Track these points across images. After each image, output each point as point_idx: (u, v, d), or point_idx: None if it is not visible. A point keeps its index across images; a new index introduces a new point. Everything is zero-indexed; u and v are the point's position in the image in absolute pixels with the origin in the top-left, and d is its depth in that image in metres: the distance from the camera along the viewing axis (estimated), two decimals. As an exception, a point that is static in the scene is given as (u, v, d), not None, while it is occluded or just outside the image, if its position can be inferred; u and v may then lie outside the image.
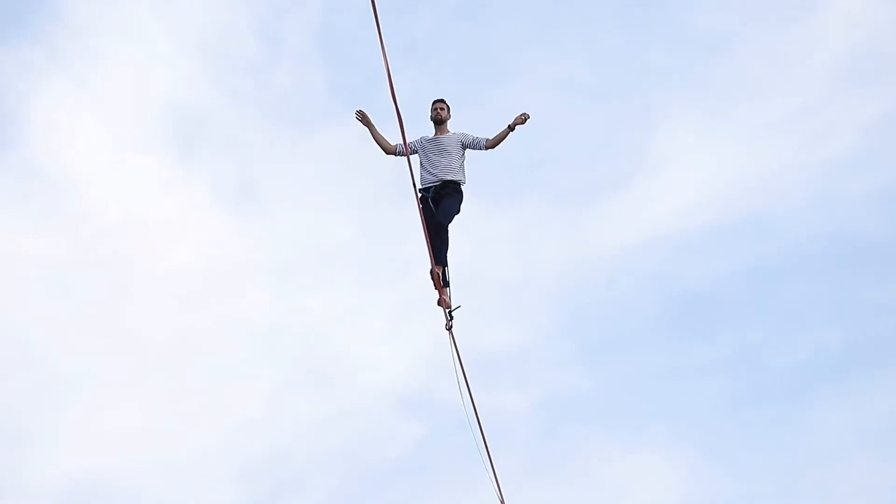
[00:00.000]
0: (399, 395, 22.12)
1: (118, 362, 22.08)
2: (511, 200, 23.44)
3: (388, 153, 12.18)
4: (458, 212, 12.08)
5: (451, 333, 11.99)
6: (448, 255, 12.10)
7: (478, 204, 22.21)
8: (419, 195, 12.06)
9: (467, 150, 12.19)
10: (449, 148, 12.13)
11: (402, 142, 11.92)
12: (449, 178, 12.09)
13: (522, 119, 11.80)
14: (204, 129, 25.24)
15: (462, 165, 12.16)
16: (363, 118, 12.09)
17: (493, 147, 12.04)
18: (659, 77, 25.43)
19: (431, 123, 12.27)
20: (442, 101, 12.29)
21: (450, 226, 12.05)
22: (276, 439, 21.83)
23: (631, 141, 24.95)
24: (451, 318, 11.99)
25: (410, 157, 12.01)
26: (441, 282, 11.96)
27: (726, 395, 22.28)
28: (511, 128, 11.82)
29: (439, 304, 12.03)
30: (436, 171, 12.10)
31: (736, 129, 24.91)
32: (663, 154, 24.80)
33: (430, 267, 11.91)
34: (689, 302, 23.66)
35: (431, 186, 12.10)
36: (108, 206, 24.31)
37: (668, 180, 24.55)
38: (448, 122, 12.26)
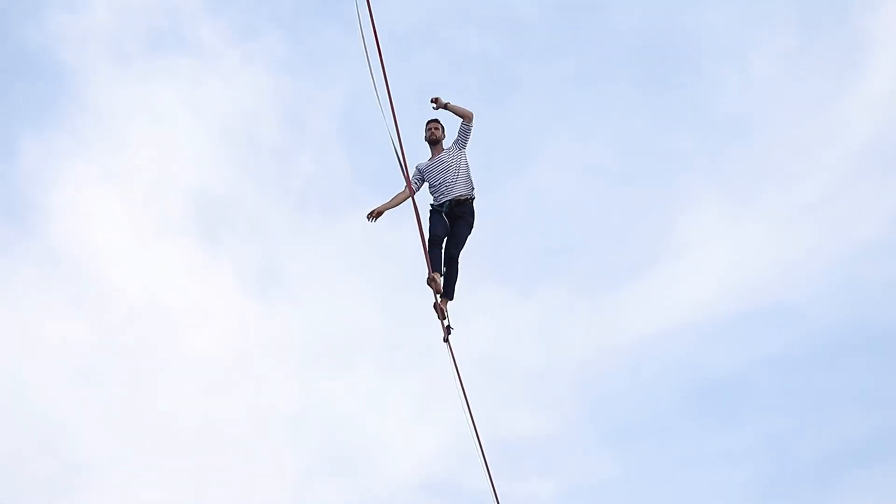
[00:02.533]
0: (424, 481, 22.21)
1: (142, 448, 22.24)
2: (535, 287, 23.80)
3: (407, 199, 12.28)
4: (467, 238, 12.17)
5: (448, 345, 11.96)
6: (456, 288, 12.12)
7: (501, 291, 22.72)
8: (431, 209, 12.24)
9: (466, 146, 12.25)
10: (450, 163, 12.24)
11: (414, 177, 12.20)
12: (459, 194, 12.21)
13: (434, 102, 11.97)
14: (228, 215, 25.62)
15: (469, 176, 12.27)
16: (376, 216, 12.26)
17: (467, 118, 12.10)
18: (682, 162, 25.84)
19: (427, 144, 12.43)
20: (436, 120, 12.42)
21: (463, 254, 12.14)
22: (299, 527, 21.91)
23: (655, 226, 25.27)
24: (450, 331, 11.99)
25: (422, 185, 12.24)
26: (440, 289, 11.97)
27: (753, 484, 22.23)
28: (439, 105, 12.00)
29: (435, 307, 12.04)
30: (444, 190, 12.22)
31: (760, 214, 25.13)
32: (687, 239, 25.07)
33: (426, 276, 11.92)
34: (715, 389, 23.67)
35: (444, 203, 12.25)
36: (131, 291, 24.61)
37: (693, 266, 24.76)
38: (443, 141, 12.39)
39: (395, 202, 12.31)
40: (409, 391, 22.80)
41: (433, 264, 11.98)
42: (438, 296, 11.98)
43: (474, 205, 12.33)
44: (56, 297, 24.03)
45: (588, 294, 24.52)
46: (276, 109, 25.94)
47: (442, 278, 12.03)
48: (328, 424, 23.03)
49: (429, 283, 11.94)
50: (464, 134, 12.19)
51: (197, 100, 26.19)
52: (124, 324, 24.05)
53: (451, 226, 12.21)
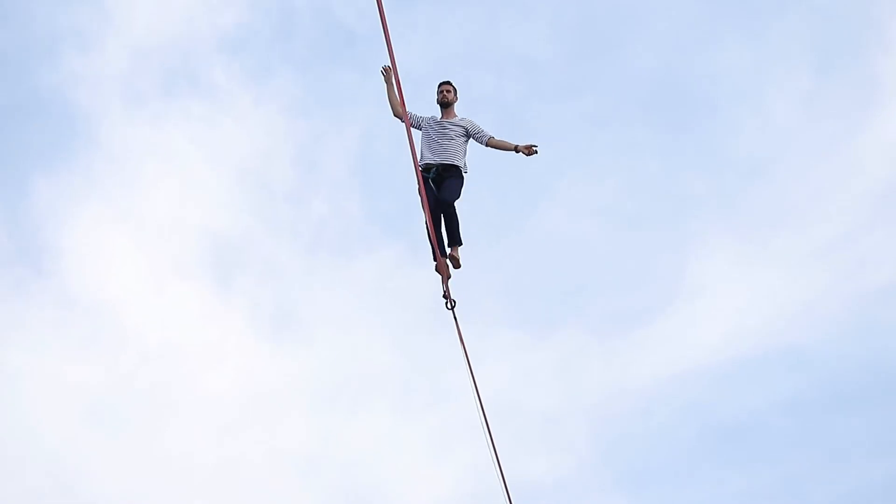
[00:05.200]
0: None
1: (157, 489, 22.43)
2: (549, 330, 24.19)
3: (394, 115, 12.36)
4: (458, 195, 12.20)
5: (453, 313, 12.18)
6: (461, 233, 12.25)
7: (516, 334, 23.08)
8: (423, 177, 12.18)
9: (470, 138, 12.33)
10: (452, 132, 12.32)
11: (413, 112, 12.28)
12: (449, 162, 12.25)
13: (529, 150, 11.93)
14: (242, 256, 25.95)
15: (464, 152, 12.32)
16: (387, 73, 12.25)
17: (492, 147, 12.17)
18: (696, 205, 26.28)
19: (438, 106, 12.48)
20: (448, 83, 12.54)
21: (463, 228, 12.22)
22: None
23: (668, 269, 25.64)
24: (452, 300, 12.20)
25: (413, 130, 12.14)
26: (447, 272, 12.14)
27: (767, 527, 22.54)
28: (516, 150, 12.01)
29: (438, 270, 12.25)
30: (436, 153, 12.28)
31: (774, 257, 25.46)
32: (700, 282, 25.42)
33: (435, 264, 12.12)
34: (728, 432, 24.00)
35: (432, 167, 12.27)
36: (146, 333, 24.88)
37: (706, 309, 25.08)
38: (455, 105, 12.49)
39: (394, 98, 12.31)
40: (423, 433, 23.19)
41: (449, 239, 12.18)
42: (444, 277, 12.20)
43: (464, 175, 12.36)
44: (70, 339, 24.32)
45: (602, 337, 24.92)
46: (290, 151, 26.40)
47: (449, 262, 12.24)
48: (342, 466, 23.28)
49: (437, 270, 12.22)
50: (476, 138, 12.32)
51: (210, 141, 26.60)
52: (138, 365, 24.39)
53: (440, 187, 12.24)
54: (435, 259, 12.30)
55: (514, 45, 26.21)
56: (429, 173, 12.27)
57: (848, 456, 22.95)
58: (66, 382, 23.61)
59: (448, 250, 12.28)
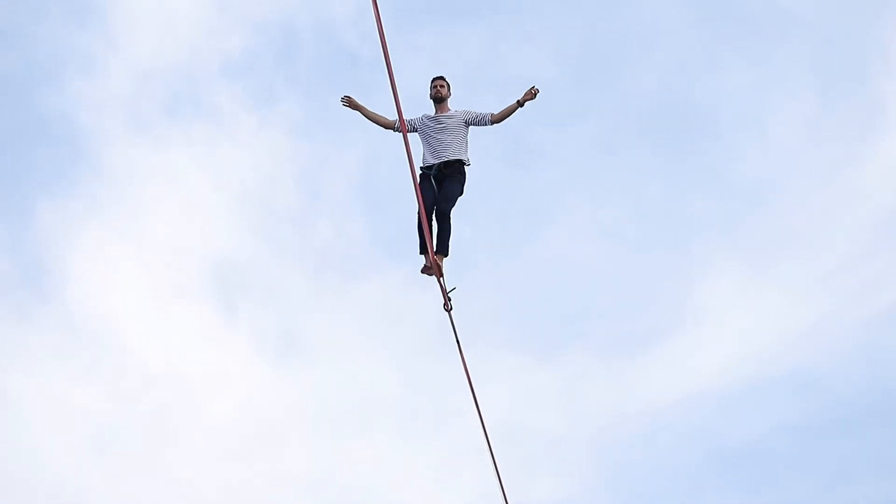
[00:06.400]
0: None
1: None
2: (553, 353, 24.29)
3: (386, 128, 12.27)
4: (460, 194, 12.12)
5: (450, 314, 12.11)
6: (451, 243, 12.11)
7: (520, 357, 23.19)
8: (420, 172, 12.11)
9: (471, 127, 12.18)
10: (450, 126, 12.16)
11: (399, 118, 11.51)
12: (451, 157, 12.11)
13: (532, 93, 11.79)
14: (245, 280, 26.12)
15: (465, 144, 12.16)
16: (350, 102, 12.20)
17: (499, 121, 12.02)
18: (700, 228, 26.46)
19: (431, 102, 12.28)
20: (441, 77, 12.33)
21: (454, 212, 12.07)
22: None
23: (672, 293, 25.80)
24: (450, 298, 12.08)
25: (409, 134, 11.84)
26: (439, 271, 11.95)
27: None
28: (520, 103, 11.85)
29: (424, 271, 12.08)
30: (437, 150, 12.15)
31: (778, 282, 25.61)
32: (705, 306, 25.57)
33: (424, 264, 11.93)
34: (732, 456, 24.09)
35: (434, 165, 12.17)
36: (148, 356, 24.99)
37: (710, 333, 25.23)
38: (448, 99, 12.27)
39: (375, 116, 12.28)
40: (427, 456, 23.23)
41: (438, 246, 12.00)
42: (437, 273, 12.05)
43: (466, 169, 12.27)
44: (73, 363, 24.42)
45: (606, 360, 25.05)
46: (293, 174, 26.59)
47: (439, 260, 12.10)
48: (346, 490, 23.29)
49: (424, 271, 12.07)
50: (479, 122, 12.17)
51: (214, 165, 26.88)
52: (142, 389, 24.49)
53: (440, 187, 12.15)
54: (422, 252, 12.12)
55: (517, 69, 26.30)
56: (430, 170, 12.19)
57: (851, 479, 23.15)
58: (69, 406, 23.78)
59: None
